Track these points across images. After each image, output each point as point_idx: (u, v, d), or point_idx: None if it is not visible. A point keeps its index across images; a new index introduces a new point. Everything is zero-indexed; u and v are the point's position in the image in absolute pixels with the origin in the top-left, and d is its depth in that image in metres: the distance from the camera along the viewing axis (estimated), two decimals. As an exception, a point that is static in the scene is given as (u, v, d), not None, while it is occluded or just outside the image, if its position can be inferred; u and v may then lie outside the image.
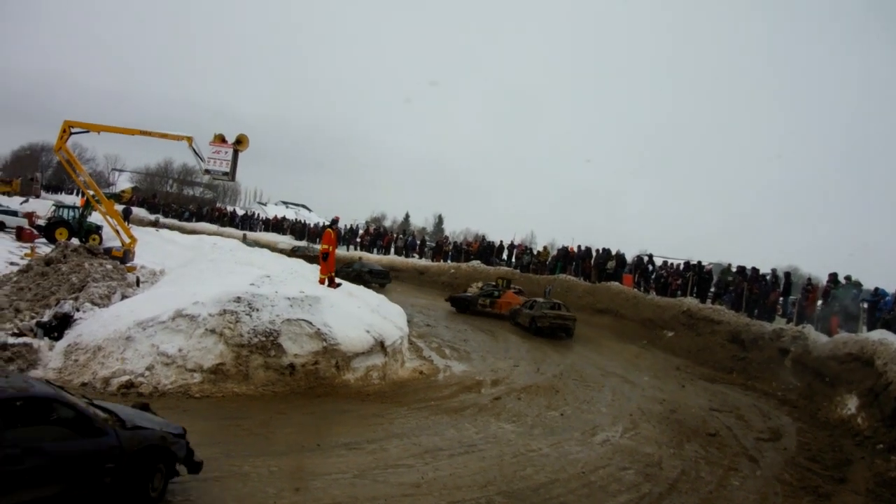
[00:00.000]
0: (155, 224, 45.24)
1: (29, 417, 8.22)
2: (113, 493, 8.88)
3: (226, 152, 28.50)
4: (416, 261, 53.48)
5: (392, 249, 57.03)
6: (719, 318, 29.92)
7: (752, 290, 30.04)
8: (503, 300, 35.99)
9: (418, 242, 58.88)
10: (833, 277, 26.63)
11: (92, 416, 8.85)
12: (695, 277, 34.15)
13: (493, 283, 39.36)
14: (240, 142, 28.57)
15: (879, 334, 20.96)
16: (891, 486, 14.56)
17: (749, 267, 31.41)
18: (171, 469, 9.84)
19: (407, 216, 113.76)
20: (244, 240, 53.74)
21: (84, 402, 9.23)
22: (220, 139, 28.65)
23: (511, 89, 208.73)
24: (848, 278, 26.10)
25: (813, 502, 13.30)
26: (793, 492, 13.77)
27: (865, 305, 24.67)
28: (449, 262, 51.18)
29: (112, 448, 8.81)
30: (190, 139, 28.97)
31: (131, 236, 30.76)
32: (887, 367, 18.78)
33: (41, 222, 39.87)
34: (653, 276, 37.26)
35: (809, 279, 29.85)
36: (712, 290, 33.82)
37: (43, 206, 47.28)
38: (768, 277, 30.44)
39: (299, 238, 62.27)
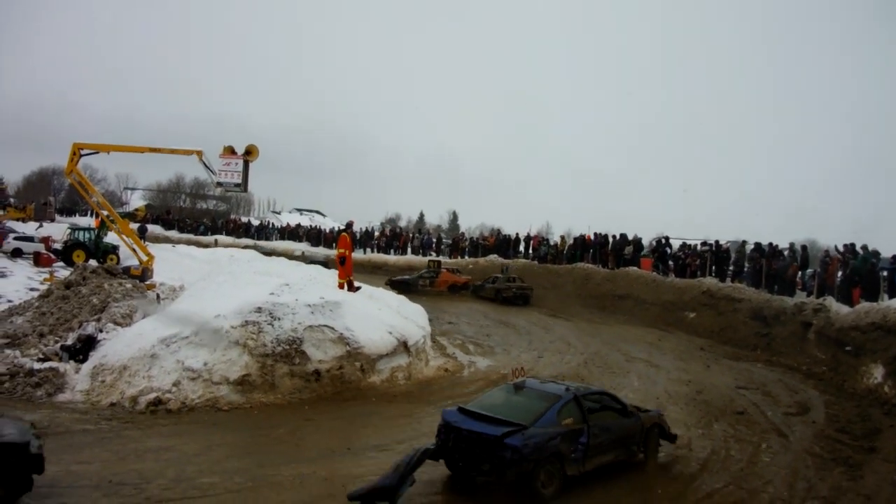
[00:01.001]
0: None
1: (592, 407, 12.22)
2: (637, 458, 13.00)
3: (236, 164, 28.52)
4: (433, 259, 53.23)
5: (409, 249, 56.79)
6: (740, 295, 29.86)
7: (770, 265, 29.96)
8: (440, 279, 40.70)
9: (434, 241, 58.58)
10: (851, 248, 26.54)
11: (626, 404, 13.23)
12: (713, 257, 34.08)
13: (428, 267, 42.83)
14: (249, 152, 28.58)
15: (901, 302, 20.93)
16: (921, 452, 14.61)
17: (766, 242, 31.37)
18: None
19: (421, 215, 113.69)
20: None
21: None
22: (230, 151, 28.68)
23: (517, 79, 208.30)
24: (865, 247, 26.00)
25: (844, 473, 13.30)
26: (824, 464, 13.80)
27: (885, 273, 24.58)
28: (466, 258, 51.05)
29: (637, 425, 12.92)
30: (200, 153, 29.03)
31: (148, 254, 30.92)
32: (911, 334, 18.80)
33: (58, 246, 40.15)
34: (671, 259, 37.22)
35: (827, 251, 29.73)
36: (731, 268, 33.74)
37: (58, 230, 47.48)
38: (786, 252, 30.37)
39: (315, 244, 62.21)
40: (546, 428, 11.07)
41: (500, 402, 12.06)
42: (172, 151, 30.54)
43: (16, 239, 41.20)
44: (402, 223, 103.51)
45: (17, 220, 58.19)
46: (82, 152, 29.73)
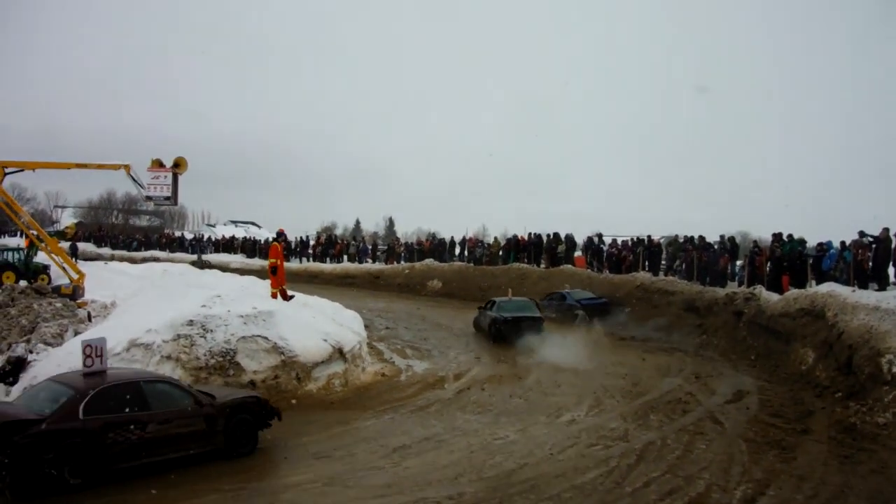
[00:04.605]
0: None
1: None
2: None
3: (165, 177, 28.25)
4: (369, 266, 53.24)
5: (345, 257, 56.58)
6: (673, 288, 30.37)
7: (701, 258, 30.43)
8: None
9: (370, 247, 58.58)
10: (778, 237, 27.06)
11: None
12: (645, 252, 34.51)
13: None
14: (178, 165, 28.32)
15: (827, 287, 21.49)
16: (851, 431, 14.91)
17: (697, 236, 31.88)
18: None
19: (357, 222, 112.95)
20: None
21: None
22: (158, 164, 28.40)
23: (449, 83, 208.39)
24: (791, 236, 26.55)
25: (778, 455, 13.49)
26: (758, 448, 13.96)
27: (811, 261, 25.13)
28: (402, 263, 51.20)
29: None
30: (128, 167, 28.68)
31: (79, 272, 30.45)
32: (837, 317, 19.19)
33: (-15, 268, 39.32)
34: (605, 255, 37.58)
35: (755, 241, 30.33)
36: (664, 262, 34.24)
37: (-14, 251, 46.57)
38: (716, 245, 30.88)
39: (250, 256, 61.58)
40: None
41: None
42: (100, 167, 30.13)
43: (-57, 262, 40.32)
44: (339, 231, 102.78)
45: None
46: (7, 171, 29.21)
